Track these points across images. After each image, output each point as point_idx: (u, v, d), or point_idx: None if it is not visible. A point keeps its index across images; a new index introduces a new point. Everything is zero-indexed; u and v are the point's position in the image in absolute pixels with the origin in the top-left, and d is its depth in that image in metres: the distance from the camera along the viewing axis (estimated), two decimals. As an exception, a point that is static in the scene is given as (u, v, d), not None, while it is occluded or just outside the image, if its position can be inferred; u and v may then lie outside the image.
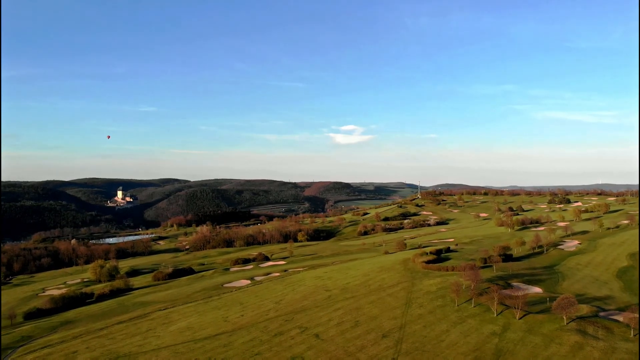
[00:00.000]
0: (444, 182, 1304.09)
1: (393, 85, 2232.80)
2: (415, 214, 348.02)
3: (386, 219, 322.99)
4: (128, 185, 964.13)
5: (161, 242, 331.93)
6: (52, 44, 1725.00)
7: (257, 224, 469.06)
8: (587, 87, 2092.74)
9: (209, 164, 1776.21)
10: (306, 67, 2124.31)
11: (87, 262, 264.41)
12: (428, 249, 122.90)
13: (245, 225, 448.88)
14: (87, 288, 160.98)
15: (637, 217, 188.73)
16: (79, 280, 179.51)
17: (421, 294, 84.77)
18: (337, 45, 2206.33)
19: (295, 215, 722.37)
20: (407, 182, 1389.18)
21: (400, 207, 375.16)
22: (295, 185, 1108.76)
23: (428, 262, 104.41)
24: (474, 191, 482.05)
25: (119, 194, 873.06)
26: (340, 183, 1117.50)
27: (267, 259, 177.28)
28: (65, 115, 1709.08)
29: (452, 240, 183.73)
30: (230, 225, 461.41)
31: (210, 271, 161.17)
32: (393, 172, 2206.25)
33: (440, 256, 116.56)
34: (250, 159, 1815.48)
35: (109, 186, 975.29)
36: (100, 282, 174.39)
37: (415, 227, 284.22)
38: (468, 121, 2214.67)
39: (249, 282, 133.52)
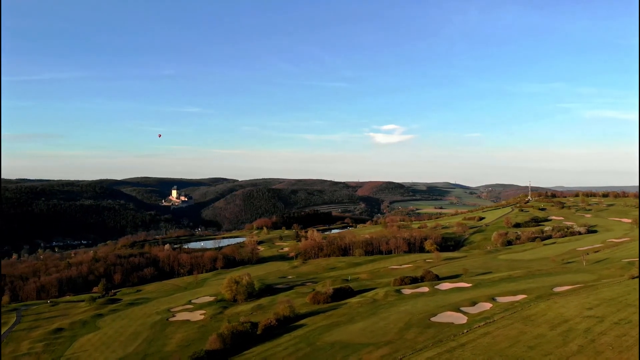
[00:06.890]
0: (495, 182, 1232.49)
1: (436, 84, 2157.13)
2: (545, 219, 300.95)
3: (517, 225, 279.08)
4: (180, 184, 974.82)
5: (260, 248, 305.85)
6: (102, 47, 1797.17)
7: (348, 227, 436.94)
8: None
9: (251, 163, 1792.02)
10: (349, 67, 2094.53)
11: (189, 272, 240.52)
12: None
13: (326, 230, 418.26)
14: (227, 311, 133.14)
15: None
16: (210, 299, 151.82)
17: None
18: (380, 44, 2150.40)
19: (349, 215, 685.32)
20: (452, 182, 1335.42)
21: (522, 210, 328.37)
22: (346, 185, 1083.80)
23: None
24: (591, 192, 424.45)
25: (174, 193, 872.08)
26: (393, 183, 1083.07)
27: (437, 277, 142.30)
28: (110, 115, 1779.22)
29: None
30: (318, 227, 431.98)
31: (381, 293, 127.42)
32: (436, 171, 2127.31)
33: None
34: (288, 159, 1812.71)
35: (162, 185, 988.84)
36: (235, 301, 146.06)
37: (565, 235, 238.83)
38: (512, 120, 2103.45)
39: (463, 317, 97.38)
